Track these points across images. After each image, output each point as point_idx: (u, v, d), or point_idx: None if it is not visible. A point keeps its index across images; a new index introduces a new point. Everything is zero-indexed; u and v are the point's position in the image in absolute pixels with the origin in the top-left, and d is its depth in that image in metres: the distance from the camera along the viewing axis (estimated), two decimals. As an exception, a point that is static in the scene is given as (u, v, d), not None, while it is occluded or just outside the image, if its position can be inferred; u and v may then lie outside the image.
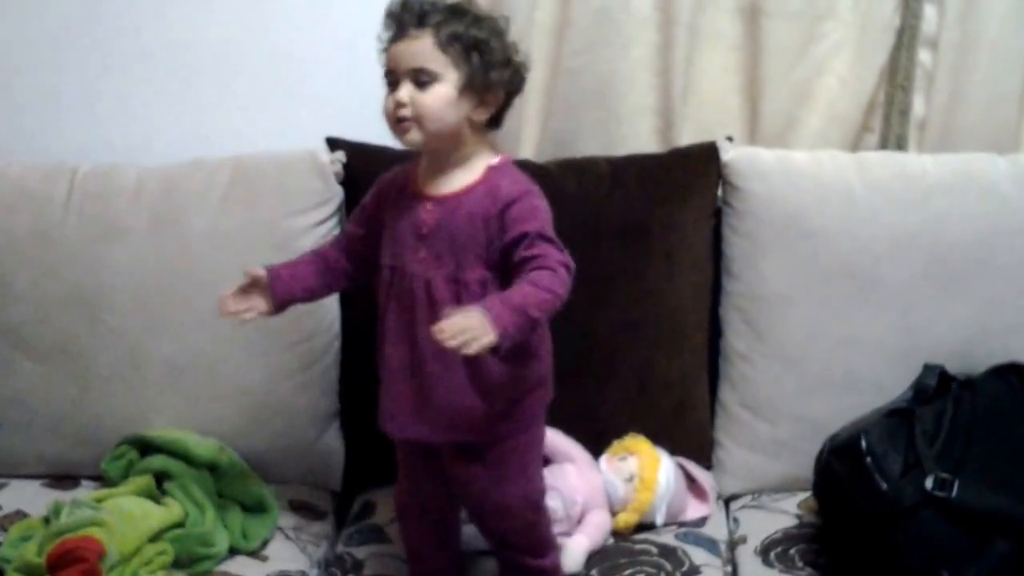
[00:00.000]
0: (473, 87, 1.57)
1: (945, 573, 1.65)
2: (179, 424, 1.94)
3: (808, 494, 1.87)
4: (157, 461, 1.87)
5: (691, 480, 1.96)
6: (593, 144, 2.09)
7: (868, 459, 1.69)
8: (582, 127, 2.11)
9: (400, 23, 1.58)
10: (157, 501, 1.82)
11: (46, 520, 1.80)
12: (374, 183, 1.72)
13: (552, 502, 1.78)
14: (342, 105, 2.06)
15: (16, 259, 1.98)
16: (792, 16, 2.07)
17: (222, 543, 1.80)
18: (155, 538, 1.74)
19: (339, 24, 2.10)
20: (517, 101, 1.66)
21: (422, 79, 1.56)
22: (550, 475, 1.81)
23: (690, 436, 2.01)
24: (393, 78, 1.58)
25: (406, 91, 1.56)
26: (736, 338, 2.00)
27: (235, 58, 2.13)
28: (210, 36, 2.13)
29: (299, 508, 1.95)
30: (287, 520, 1.91)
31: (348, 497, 2.02)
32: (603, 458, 1.93)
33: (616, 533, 1.88)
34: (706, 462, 2.01)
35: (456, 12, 1.58)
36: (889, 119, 2.12)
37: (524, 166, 1.95)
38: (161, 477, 1.86)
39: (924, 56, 2.08)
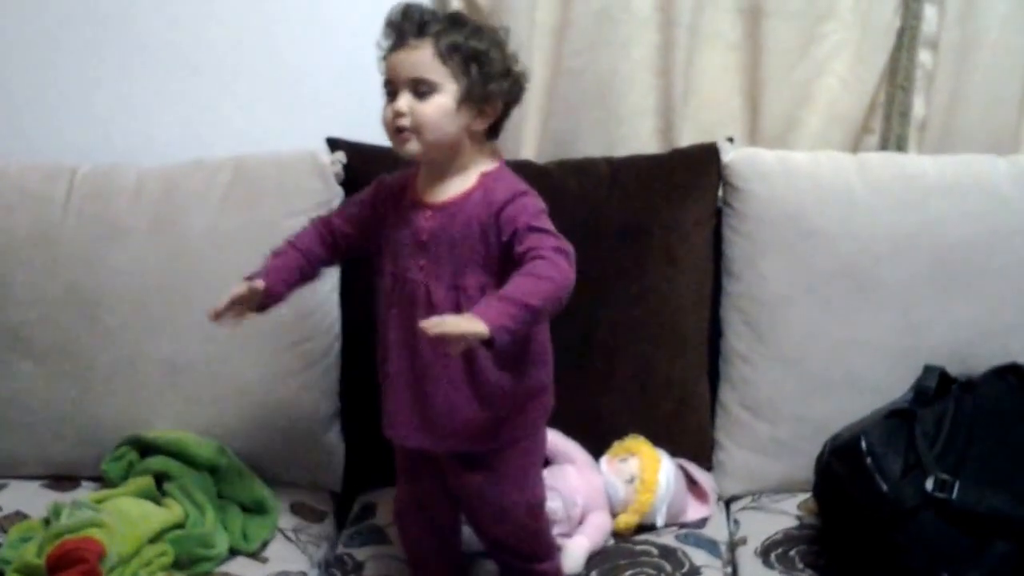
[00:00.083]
0: (472, 98, 1.56)
1: (945, 574, 1.65)
2: (179, 425, 1.94)
3: (808, 495, 1.87)
4: (157, 462, 1.87)
5: (691, 481, 1.96)
6: (593, 145, 2.09)
7: (868, 460, 1.69)
8: (582, 127, 2.11)
9: (400, 32, 1.57)
10: (157, 502, 1.82)
11: (46, 521, 1.80)
12: (372, 183, 1.72)
13: (552, 503, 1.78)
14: (342, 106, 2.06)
15: (16, 259, 1.98)
16: (792, 17, 2.07)
17: (222, 544, 1.80)
18: (155, 539, 1.74)
19: (339, 25, 2.10)
20: (517, 103, 1.66)
21: (421, 89, 1.55)
22: (550, 476, 1.81)
23: (690, 437, 2.01)
24: (392, 87, 1.58)
25: (405, 101, 1.56)
26: (736, 339, 2.00)
27: (236, 58, 2.13)
28: (211, 36, 2.13)
29: (299, 509, 1.95)
30: (287, 521, 1.91)
31: (348, 498, 2.02)
32: (603, 459, 1.93)
33: (616, 534, 1.88)
34: (706, 463, 2.01)
35: (456, 22, 1.59)
36: (889, 120, 2.12)
37: (524, 167, 1.96)
38: (161, 478, 1.86)
39: (924, 57, 2.08)
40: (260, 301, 1.67)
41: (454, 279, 1.58)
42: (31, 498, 1.93)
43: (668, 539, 1.86)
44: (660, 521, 1.88)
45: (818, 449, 1.79)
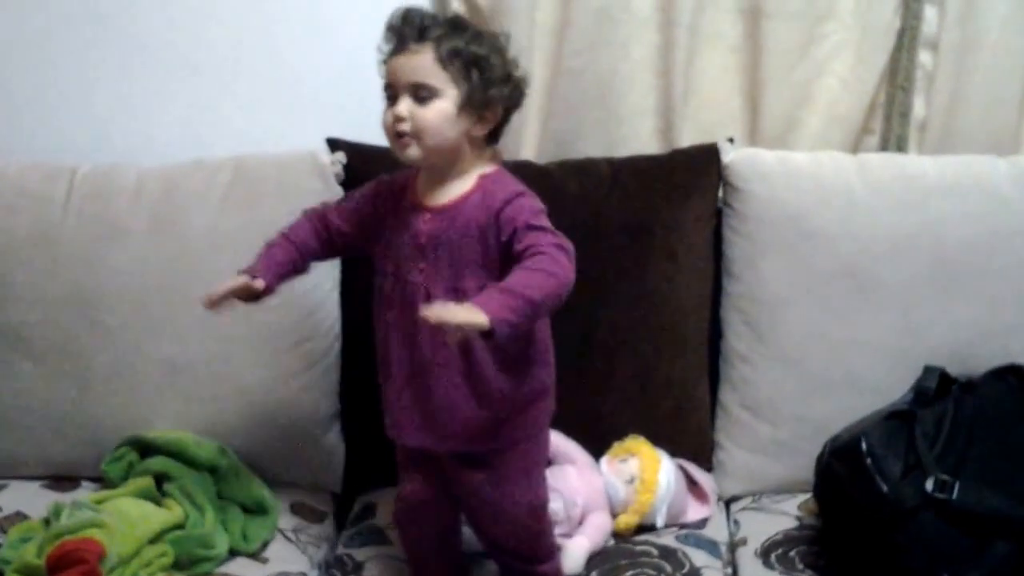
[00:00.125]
0: (472, 103, 1.56)
1: (945, 574, 1.65)
2: (179, 425, 1.94)
3: (808, 496, 1.87)
4: (157, 462, 1.87)
5: (692, 482, 1.96)
6: (594, 145, 2.09)
7: (868, 461, 1.69)
8: (583, 128, 2.11)
9: (400, 36, 1.57)
10: (157, 503, 1.82)
11: (46, 521, 1.80)
12: (373, 181, 1.71)
13: (553, 504, 1.78)
14: (342, 106, 2.06)
15: (16, 259, 1.98)
16: (793, 17, 2.07)
17: (222, 545, 1.80)
18: (155, 540, 1.74)
19: (340, 25, 2.10)
20: (517, 104, 1.66)
21: (422, 94, 1.56)
22: (551, 476, 1.81)
23: (690, 437, 2.01)
24: (392, 92, 1.58)
25: (405, 106, 1.56)
26: (736, 339, 2.00)
27: (236, 59, 2.13)
28: (211, 36, 2.12)
29: (299, 509, 1.95)
30: (287, 522, 1.91)
31: (348, 499, 2.02)
32: (604, 459, 1.93)
33: (617, 535, 1.88)
34: (706, 464, 2.01)
35: (457, 27, 1.58)
36: (889, 120, 2.12)
37: (525, 167, 1.97)
38: (161, 478, 1.86)
39: (925, 58, 2.08)
40: (254, 293, 1.67)
41: (454, 281, 1.58)
42: (31, 498, 1.93)
43: (668, 540, 1.86)
44: (660, 522, 1.88)
45: (818, 450, 1.79)
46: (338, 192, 1.99)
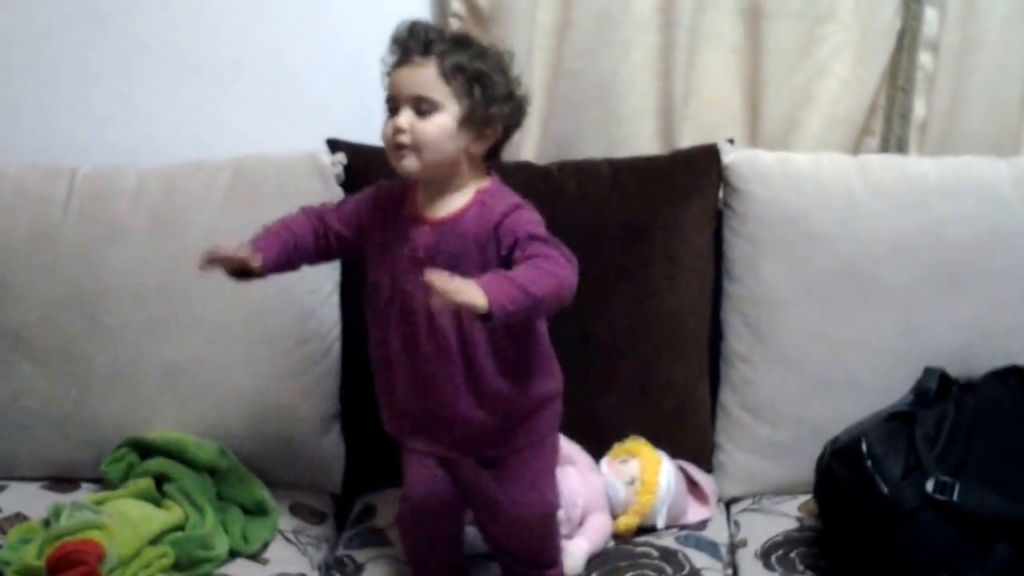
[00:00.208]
0: (473, 119, 1.57)
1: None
2: (179, 426, 1.94)
3: (809, 497, 1.87)
4: (157, 463, 1.87)
5: (692, 483, 1.96)
6: (594, 146, 2.09)
7: (869, 462, 1.69)
8: (583, 129, 2.11)
9: (405, 49, 1.58)
10: (157, 504, 1.82)
11: (46, 523, 1.80)
12: (373, 186, 1.71)
13: (554, 505, 1.79)
14: (343, 107, 2.07)
15: (15, 260, 1.97)
16: (793, 18, 2.07)
17: (222, 546, 1.80)
18: (155, 541, 1.74)
19: (340, 26, 2.10)
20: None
21: (423, 107, 1.56)
22: (551, 478, 1.81)
23: (691, 439, 2.01)
24: (394, 104, 1.58)
25: (406, 118, 1.56)
26: (737, 340, 2.00)
27: (236, 59, 2.13)
28: (211, 37, 2.12)
29: (299, 511, 1.95)
30: (287, 523, 1.91)
31: (348, 500, 2.02)
32: (604, 461, 1.93)
33: (617, 536, 1.88)
34: (707, 465, 2.01)
35: (461, 43, 1.59)
36: (890, 122, 2.12)
37: (525, 168, 1.97)
38: (161, 479, 1.86)
39: (925, 59, 2.08)
40: (244, 269, 1.64)
41: (461, 320, 1.57)
42: (31, 499, 1.93)
43: (668, 541, 1.86)
44: (660, 523, 1.88)
45: (818, 451, 1.79)
46: (338, 193, 1.99)
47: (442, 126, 1.56)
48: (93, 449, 1.94)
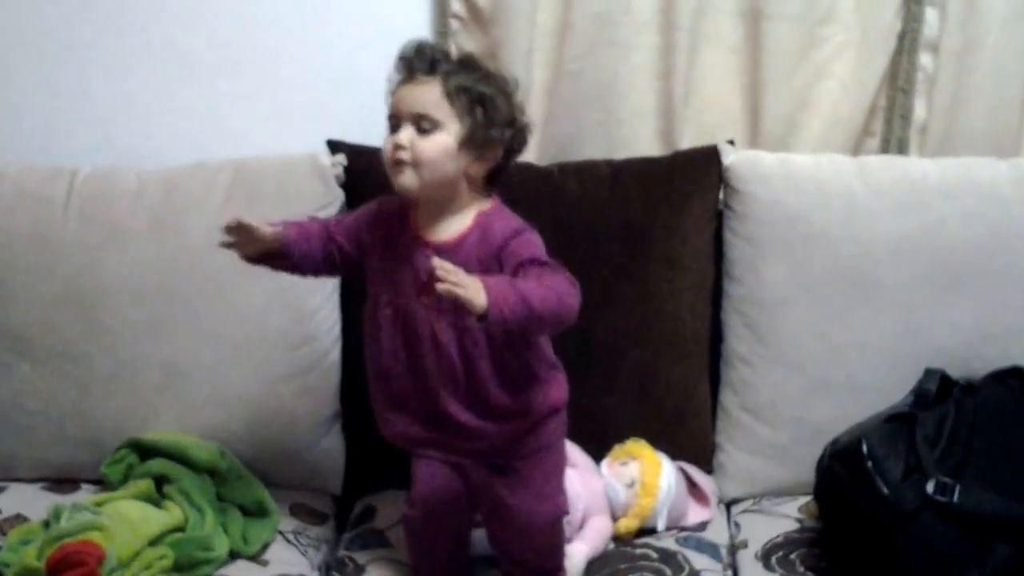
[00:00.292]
0: (474, 141, 1.57)
1: (946, 577, 1.65)
2: (179, 427, 1.94)
3: (809, 498, 1.87)
4: (157, 465, 1.87)
5: (692, 484, 1.95)
6: (594, 147, 2.09)
7: (869, 463, 1.69)
8: (583, 130, 2.11)
9: (410, 67, 1.59)
10: (157, 505, 1.82)
11: (46, 524, 1.80)
12: (374, 202, 1.71)
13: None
14: (343, 108, 2.06)
15: (15, 261, 1.97)
16: (793, 20, 2.06)
17: (222, 547, 1.79)
18: (155, 542, 1.74)
19: (340, 26, 2.10)
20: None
21: (424, 126, 1.56)
22: (551, 479, 1.81)
23: (691, 440, 2.01)
24: (396, 121, 1.59)
25: (407, 135, 1.57)
26: (737, 341, 2.00)
27: (236, 60, 2.12)
28: (211, 38, 2.12)
29: (300, 512, 1.94)
30: (287, 524, 1.91)
31: (349, 501, 2.02)
32: (604, 463, 1.92)
33: (617, 538, 1.88)
34: (707, 466, 2.01)
35: (467, 65, 1.60)
36: (890, 123, 2.12)
37: (525, 169, 1.96)
38: (161, 481, 1.86)
39: (925, 60, 2.08)
40: (260, 251, 1.65)
41: (456, 315, 1.57)
42: (31, 501, 1.93)
43: (668, 542, 1.86)
44: (661, 525, 1.88)
45: (819, 452, 1.79)
46: (339, 194, 1.99)
47: (442, 145, 1.56)
48: (93, 450, 1.94)
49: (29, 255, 1.97)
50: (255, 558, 1.83)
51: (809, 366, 1.94)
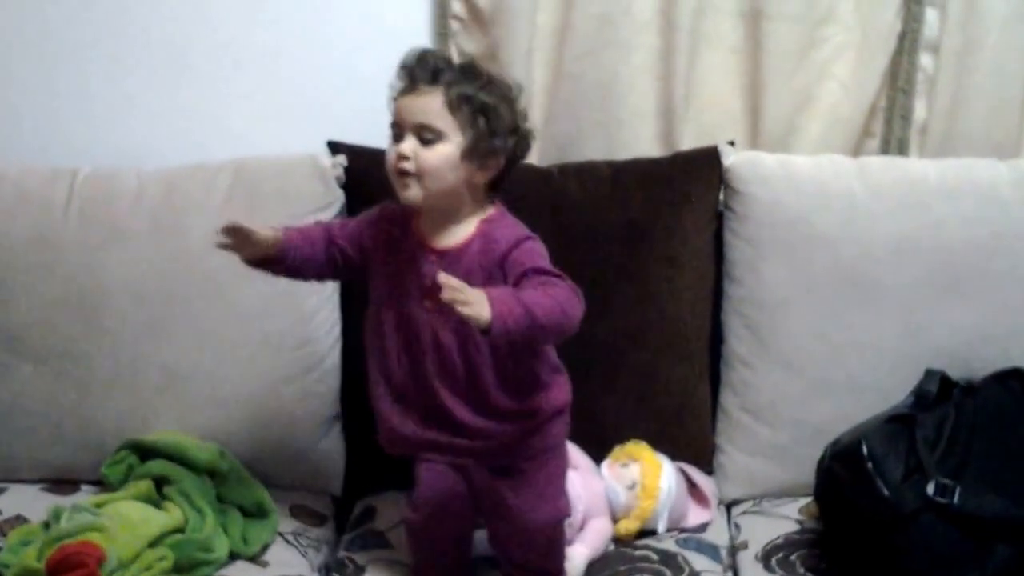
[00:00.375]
0: (476, 151, 1.57)
1: (946, 578, 1.65)
2: (179, 428, 1.94)
3: (809, 499, 1.87)
4: (157, 466, 1.87)
5: (692, 485, 1.95)
6: (594, 148, 2.09)
7: (869, 464, 1.69)
8: (583, 131, 2.11)
9: (412, 77, 1.58)
10: (157, 506, 1.81)
11: (46, 525, 1.80)
12: (376, 207, 1.71)
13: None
14: (343, 109, 2.06)
15: (15, 262, 1.97)
16: (793, 20, 2.06)
17: (222, 548, 1.79)
18: (155, 543, 1.74)
19: (341, 28, 2.10)
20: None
21: (426, 136, 1.56)
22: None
23: (691, 441, 2.00)
24: (398, 130, 1.59)
25: (410, 145, 1.57)
26: (737, 343, 2.00)
27: (237, 61, 2.12)
28: (212, 39, 2.12)
29: (299, 513, 1.94)
30: (287, 525, 1.91)
31: (349, 502, 2.02)
32: (605, 464, 1.92)
33: (617, 540, 1.88)
34: (707, 467, 2.01)
35: (469, 73, 1.59)
36: (890, 123, 2.12)
37: (526, 170, 1.96)
38: (161, 482, 1.86)
39: (926, 60, 2.08)
40: (259, 256, 1.65)
41: (460, 322, 1.56)
42: (31, 502, 1.93)
43: (668, 544, 1.86)
44: (661, 527, 1.88)
45: (819, 453, 1.79)
46: (339, 195, 1.99)
47: (445, 156, 1.56)
48: (93, 451, 1.94)
49: (29, 256, 1.97)
50: (255, 559, 1.82)
51: (809, 367, 1.94)
